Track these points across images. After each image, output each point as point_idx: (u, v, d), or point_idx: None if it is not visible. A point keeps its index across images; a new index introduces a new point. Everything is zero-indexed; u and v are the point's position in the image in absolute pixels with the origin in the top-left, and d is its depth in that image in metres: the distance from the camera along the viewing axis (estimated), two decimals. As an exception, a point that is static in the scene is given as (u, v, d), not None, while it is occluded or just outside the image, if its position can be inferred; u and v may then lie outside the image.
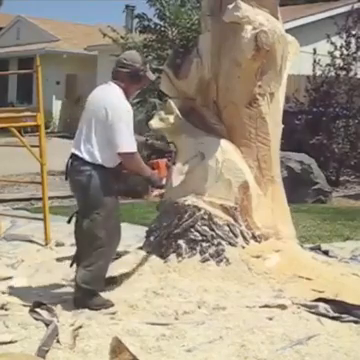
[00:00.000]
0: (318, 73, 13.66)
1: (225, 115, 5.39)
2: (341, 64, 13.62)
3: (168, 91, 5.70)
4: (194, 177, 5.20)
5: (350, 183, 13.81)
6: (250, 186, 5.23)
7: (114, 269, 4.93)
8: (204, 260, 5.02)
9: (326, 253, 6.39)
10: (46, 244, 6.76)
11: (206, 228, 5.09)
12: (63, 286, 5.07)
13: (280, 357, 3.73)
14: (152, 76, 4.81)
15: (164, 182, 4.98)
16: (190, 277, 4.90)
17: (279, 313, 4.40)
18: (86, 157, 4.50)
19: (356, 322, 4.31)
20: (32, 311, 4.37)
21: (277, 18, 5.38)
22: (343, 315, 4.38)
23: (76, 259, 4.69)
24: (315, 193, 11.09)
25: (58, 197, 10.41)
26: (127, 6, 22.36)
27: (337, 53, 13.59)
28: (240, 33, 5.07)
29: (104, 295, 4.62)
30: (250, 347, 3.81)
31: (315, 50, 13.60)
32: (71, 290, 4.75)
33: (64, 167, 4.68)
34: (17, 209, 9.64)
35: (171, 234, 5.14)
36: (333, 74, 13.57)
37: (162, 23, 13.83)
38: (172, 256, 5.07)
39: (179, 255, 5.06)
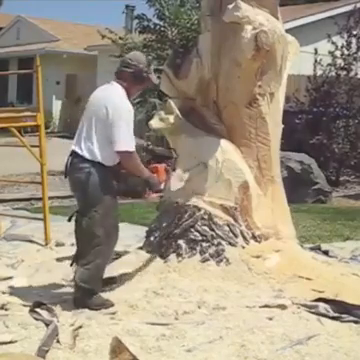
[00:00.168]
0: (319, 73, 13.66)
1: (225, 115, 5.38)
2: (342, 64, 13.63)
3: (168, 91, 5.70)
4: (194, 177, 5.20)
5: (350, 183, 13.80)
6: (250, 186, 5.23)
7: (114, 269, 4.93)
8: (204, 260, 5.02)
9: (326, 253, 6.39)
10: (46, 244, 6.75)
11: (206, 228, 5.09)
12: (63, 286, 5.07)
13: (280, 357, 3.72)
14: (155, 79, 4.81)
15: (162, 186, 4.85)
16: (190, 277, 4.90)
17: (279, 313, 4.40)
18: (86, 154, 4.51)
19: (356, 322, 4.31)
20: (32, 311, 4.37)
21: (277, 18, 5.38)
22: (343, 315, 4.38)
23: (76, 259, 4.70)
24: (315, 193, 11.07)
25: (58, 197, 10.40)
26: (127, 6, 22.39)
27: (338, 53, 13.59)
28: (240, 33, 5.07)
29: (104, 295, 4.62)
30: (250, 347, 3.81)
31: (316, 50, 13.61)
32: (71, 290, 4.74)
33: (64, 167, 4.69)
34: (17, 209, 9.63)
35: (171, 234, 5.14)
36: (334, 74, 13.57)
37: (162, 23, 13.82)
38: (172, 256, 5.07)
39: (179, 255, 5.06)
